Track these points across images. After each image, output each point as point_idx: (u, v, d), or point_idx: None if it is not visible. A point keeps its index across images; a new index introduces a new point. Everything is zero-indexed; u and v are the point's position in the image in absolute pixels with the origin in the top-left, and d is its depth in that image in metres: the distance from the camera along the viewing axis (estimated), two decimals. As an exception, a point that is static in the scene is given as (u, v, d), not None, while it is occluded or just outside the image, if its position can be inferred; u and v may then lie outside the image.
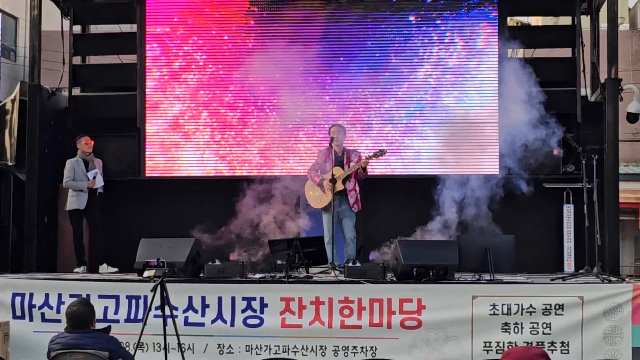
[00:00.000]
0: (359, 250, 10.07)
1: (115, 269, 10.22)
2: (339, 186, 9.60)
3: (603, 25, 10.31)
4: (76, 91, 11.95)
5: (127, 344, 7.39)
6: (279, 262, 8.48)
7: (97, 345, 5.51)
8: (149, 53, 11.21)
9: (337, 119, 10.68)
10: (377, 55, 10.87)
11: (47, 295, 8.43)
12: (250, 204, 10.15)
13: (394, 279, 8.47)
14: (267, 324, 8.11)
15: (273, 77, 10.75)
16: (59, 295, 8.40)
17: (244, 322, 8.14)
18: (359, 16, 10.94)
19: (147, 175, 11.13)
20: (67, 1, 11.53)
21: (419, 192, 10.12)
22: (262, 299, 8.15)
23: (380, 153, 9.83)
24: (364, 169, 9.72)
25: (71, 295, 8.23)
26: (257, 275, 8.72)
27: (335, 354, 8.04)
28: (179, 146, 11.15)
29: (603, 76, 9.95)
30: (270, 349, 8.06)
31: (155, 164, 11.20)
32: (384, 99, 10.89)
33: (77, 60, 11.89)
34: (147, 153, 11.13)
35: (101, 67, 12.14)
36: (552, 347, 8.22)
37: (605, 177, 9.47)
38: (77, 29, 12.01)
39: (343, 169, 9.75)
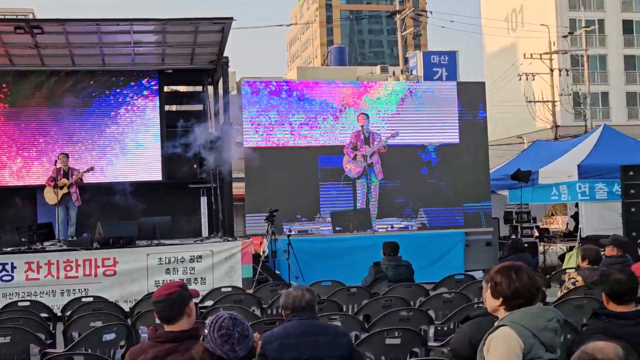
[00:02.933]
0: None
1: None
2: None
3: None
4: None
5: None
6: (23, 239, 12.57)
7: None
8: None
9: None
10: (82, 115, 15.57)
11: None
12: None
13: (98, 247, 12.41)
14: (16, 279, 11.65)
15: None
16: None
17: (1, 279, 11.66)
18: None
19: None
20: None
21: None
22: (12, 263, 11.92)
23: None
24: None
25: None
26: (9, 249, 12.28)
27: (62, 295, 11.61)
28: None
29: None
30: (19, 294, 11.49)
31: None
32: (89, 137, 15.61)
33: None
34: None
35: None
36: (196, 281, 13.15)
37: (224, 180, 14.03)
38: None
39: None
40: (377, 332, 5.70)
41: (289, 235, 13.47)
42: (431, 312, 7.33)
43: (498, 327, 3.81)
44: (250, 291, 10.12)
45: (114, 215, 14.14)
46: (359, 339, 5.76)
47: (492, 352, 3.72)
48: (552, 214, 32.51)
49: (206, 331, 3.38)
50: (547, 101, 42.63)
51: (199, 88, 16.33)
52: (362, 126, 15.67)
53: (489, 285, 3.95)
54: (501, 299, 3.88)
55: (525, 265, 4.01)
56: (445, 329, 6.83)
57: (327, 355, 4.51)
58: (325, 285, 9.62)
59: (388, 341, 5.50)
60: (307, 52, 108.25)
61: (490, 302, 3.97)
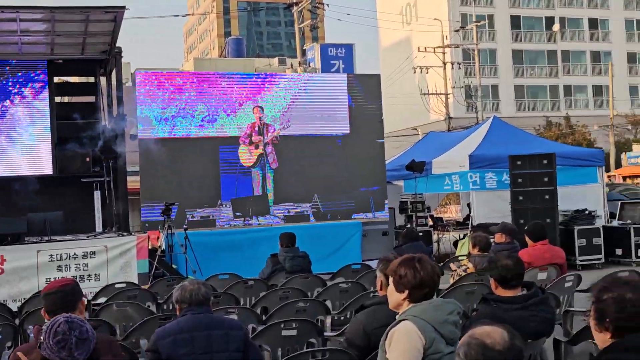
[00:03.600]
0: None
1: None
2: None
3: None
4: None
5: None
6: None
7: None
8: None
9: None
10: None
11: None
12: None
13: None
14: None
15: None
16: None
17: None
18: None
19: None
20: None
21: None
22: None
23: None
24: None
25: None
26: None
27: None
28: None
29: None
30: None
31: None
32: None
33: None
34: None
35: None
36: (89, 278, 12.81)
37: (119, 174, 13.70)
38: None
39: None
40: (274, 324, 5.68)
41: (185, 229, 13.28)
42: (328, 303, 7.37)
43: (400, 321, 3.80)
44: (146, 287, 9.93)
45: (1, 212, 13.49)
46: (256, 332, 5.72)
47: (394, 346, 3.72)
48: (446, 203, 33.43)
49: (42, 338, 3.19)
50: (440, 94, 43.75)
51: (91, 79, 15.82)
52: (257, 117, 15.66)
53: (392, 280, 3.92)
54: (407, 292, 3.87)
55: (424, 255, 4.06)
56: (342, 318, 6.89)
57: (222, 349, 4.45)
58: (222, 279, 9.54)
59: (284, 333, 5.49)
60: (205, 44, 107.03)
61: (395, 297, 3.93)
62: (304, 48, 37.94)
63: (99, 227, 13.51)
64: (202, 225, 14.87)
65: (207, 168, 15.26)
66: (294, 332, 5.49)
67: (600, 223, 15.58)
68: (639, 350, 2.88)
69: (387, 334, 3.80)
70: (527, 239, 8.45)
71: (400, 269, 3.91)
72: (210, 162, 15.28)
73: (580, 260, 14.80)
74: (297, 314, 6.32)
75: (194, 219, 14.84)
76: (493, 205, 15.56)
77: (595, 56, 63.86)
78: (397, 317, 3.88)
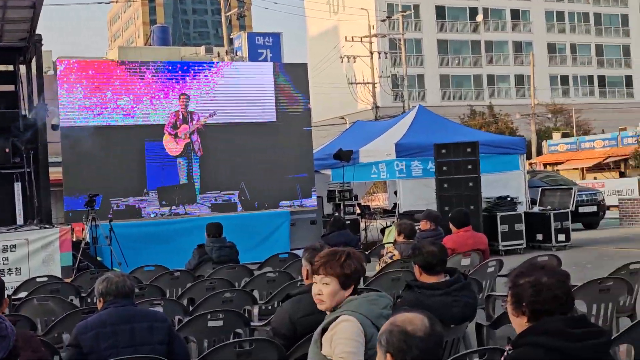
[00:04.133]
0: None
1: None
2: None
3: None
4: None
5: None
6: None
7: None
8: None
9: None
10: None
11: None
12: None
13: None
14: None
15: None
16: None
17: None
18: None
19: None
20: None
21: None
22: None
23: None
24: None
25: None
26: None
27: None
28: None
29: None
30: None
31: None
32: None
33: None
34: None
35: None
36: (10, 272, 12.37)
37: (40, 165, 13.40)
38: None
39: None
40: (200, 315, 5.63)
41: (110, 220, 13.03)
42: (255, 293, 7.35)
43: (339, 316, 3.76)
44: (69, 280, 9.68)
45: None
46: (182, 323, 5.66)
47: (340, 334, 3.67)
48: (374, 192, 33.78)
49: None
50: (368, 83, 44.12)
51: (10, 67, 15.26)
52: (183, 106, 15.48)
53: (338, 281, 3.88)
54: (353, 287, 3.88)
55: (351, 249, 4.06)
56: (269, 308, 6.88)
57: (146, 341, 4.38)
58: (148, 270, 9.40)
59: (210, 324, 5.44)
60: (129, 32, 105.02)
61: (340, 295, 3.88)
62: (231, 37, 37.70)
63: (20, 219, 13.17)
64: (128, 215, 14.63)
65: (132, 157, 15.03)
66: (220, 323, 5.45)
67: (522, 209, 15.98)
68: (555, 334, 2.94)
69: (323, 330, 3.76)
70: (450, 225, 8.59)
71: (350, 264, 3.90)
72: (135, 151, 15.05)
73: (503, 246, 15.16)
74: (223, 304, 6.27)
75: (119, 208, 14.58)
76: (419, 193, 15.77)
77: (517, 46, 65.44)
78: (331, 313, 3.85)
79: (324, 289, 3.88)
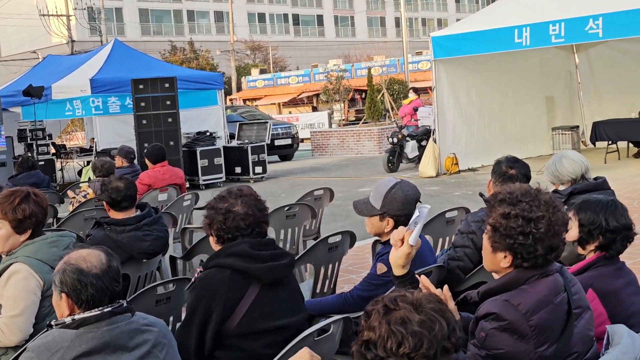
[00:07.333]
0: None
1: None
2: None
3: None
4: None
5: None
6: None
7: None
8: None
9: None
10: None
11: None
12: None
13: None
14: None
15: None
16: None
17: None
18: None
19: None
20: None
21: None
22: None
23: None
24: None
25: None
26: None
27: None
28: None
29: None
30: None
31: None
32: None
33: None
34: None
35: None
36: None
37: None
38: None
39: None
40: None
41: None
42: None
43: (10, 264, 3.55)
44: None
45: None
46: None
47: (8, 291, 3.49)
48: (72, 130, 32.31)
49: None
50: (62, 15, 41.59)
51: None
52: None
53: (11, 225, 3.58)
54: (30, 231, 3.70)
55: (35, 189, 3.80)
56: None
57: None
58: None
59: None
60: None
61: (14, 240, 3.66)
62: None
63: None
64: None
65: None
66: None
67: (221, 144, 16.31)
68: (241, 256, 3.15)
69: None
70: (147, 161, 8.49)
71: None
72: None
73: (204, 180, 15.42)
74: None
75: None
76: (117, 129, 15.40)
77: (216, -17, 65.80)
78: (5, 258, 3.60)
79: None
